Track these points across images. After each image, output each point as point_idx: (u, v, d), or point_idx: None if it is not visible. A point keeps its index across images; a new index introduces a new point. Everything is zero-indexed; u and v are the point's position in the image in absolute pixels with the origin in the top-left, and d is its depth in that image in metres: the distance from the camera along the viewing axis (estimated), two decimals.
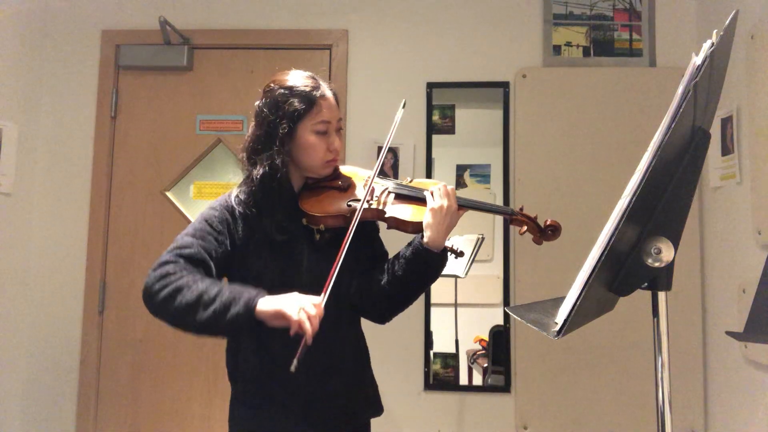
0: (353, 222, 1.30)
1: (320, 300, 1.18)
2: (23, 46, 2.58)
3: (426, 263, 1.35)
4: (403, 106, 1.51)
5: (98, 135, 2.64)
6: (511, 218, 1.42)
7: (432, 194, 1.36)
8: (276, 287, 1.35)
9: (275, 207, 1.35)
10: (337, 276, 1.26)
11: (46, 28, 2.69)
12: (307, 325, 1.12)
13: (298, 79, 1.39)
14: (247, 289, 1.20)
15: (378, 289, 1.39)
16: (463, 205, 1.38)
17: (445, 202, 1.33)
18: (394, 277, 1.37)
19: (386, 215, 1.38)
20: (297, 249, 1.38)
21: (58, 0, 2.70)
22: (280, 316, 1.14)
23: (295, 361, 1.09)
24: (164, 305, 1.20)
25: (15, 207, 2.53)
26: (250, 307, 1.17)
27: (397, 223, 1.38)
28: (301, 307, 1.14)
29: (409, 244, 1.38)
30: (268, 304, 1.17)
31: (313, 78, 1.41)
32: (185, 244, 1.29)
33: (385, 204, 1.40)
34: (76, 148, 2.64)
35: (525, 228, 1.41)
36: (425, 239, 1.34)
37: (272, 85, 1.40)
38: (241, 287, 1.21)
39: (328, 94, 1.40)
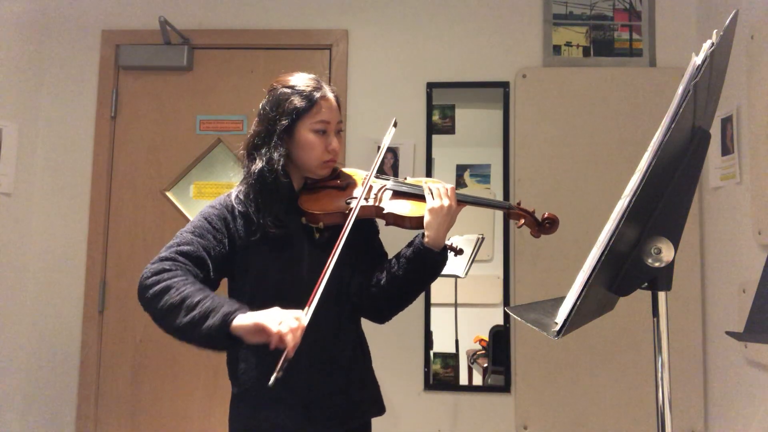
0: (350, 217, 1.31)
1: (303, 313, 1.14)
2: (23, 46, 2.57)
3: (426, 262, 1.35)
4: (394, 125, 1.51)
5: (98, 135, 2.64)
6: (509, 212, 1.43)
7: (431, 193, 1.37)
8: (278, 285, 1.36)
9: (273, 202, 1.35)
10: (337, 274, 1.26)
11: (46, 28, 2.69)
12: (289, 338, 1.07)
13: (300, 79, 1.41)
14: (231, 303, 1.16)
15: (378, 288, 1.40)
16: (461, 201, 1.39)
17: (445, 202, 1.34)
18: (394, 276, 1.37)
19: (384, 211, 1.39)
20: (297, 247, 1.38)
21: (58, 0, 2.70)
22: (259, 329, 1.09)
23: (274, 376, 1.04)
24: (151, 302, 1.21)
25: (15, 207, 2.53)
26: (226, 321, 1.12)
27: (395, 219, 1.39)
28: (281, 321, 1.09)
29: (410, 244, 1.38)
30: (246, 318, 1.12)
31: (315, 80, 1.42)
32: (184, 241, 1.29)
33: (382, 200, 1.41)
34: (76, 148, 2.65)
35: (522, 221, 1.42)
36: (425, 239, 1.34)
37: (275, 84, 1.42)
38: (227, 300, 1.17)
39: (330, 95, 1.41)
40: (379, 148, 1.46)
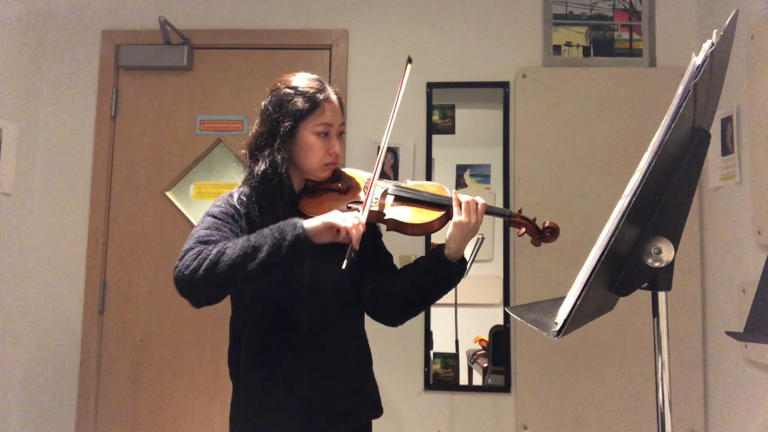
0: (372, 182, 1.33)
1: (361, 213, 1.25)
2: (23, 46, 2.58)
3: (448, 275, 1.37)
4: (409, 61, 1.49)
5: (98, 135, 2.64)
6: (510, 220, 1.43)
7: (460, 207, 1.35)
8: (278, 288, 1.36)
9: (276, 204, 1.35)
10: (341, 278, 1.26)
11: (46, 28, 2.69)
12: (353, 232, 1.19)
13: (303, 80, 1.40)
14: (282, 222, 1.23)
15: (395, 295, 1.41)
16: None
17: (473, 219, 1.34)
18: (413, 285, 1.39)
19: (385, 217, 1.38)
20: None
21: (58, 0, 2.70)
22: (329, 227, 1.20)
23: (345, 262, 1.17)
24: (210, 273, 1.18)
25: (15, 207, 2.53)
26: (299, 232, 1.19)
27: (396, 225, 1.38)
28: (344, 218, 1.20)
29: (430, 255, 1.39)
30: (313, 221, 1.21)
31: (319, 81, 1.41)
32: (204, 235, 1.27)
33: (384, 205, 1.40)
34: (76, 148, 2.65)
35: (523, 230, 1.42)
36: (447, 251, 1.35)
37: (278, 84, 1.41)
38: (279, 223, 1.23)
39: (333, 97, 1.41)
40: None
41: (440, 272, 1.37)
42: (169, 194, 2.62)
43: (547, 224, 1.42)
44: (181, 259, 1.21)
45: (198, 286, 1.20)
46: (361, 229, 1.21)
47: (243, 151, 1.43)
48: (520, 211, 1.43)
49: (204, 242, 1.24)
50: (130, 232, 2.60)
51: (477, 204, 1.36)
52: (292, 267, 1.32)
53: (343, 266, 1.17)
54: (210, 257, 1.18)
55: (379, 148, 1.48)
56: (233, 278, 1.19)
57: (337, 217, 1.21)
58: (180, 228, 2.56)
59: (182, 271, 1.19)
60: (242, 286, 1.30)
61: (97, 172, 2.62)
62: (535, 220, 1.42)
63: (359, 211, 1.29)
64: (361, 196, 1.41)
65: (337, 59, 2.61)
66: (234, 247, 1.19)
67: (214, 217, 1.33)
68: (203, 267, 1.18)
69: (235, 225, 1.33)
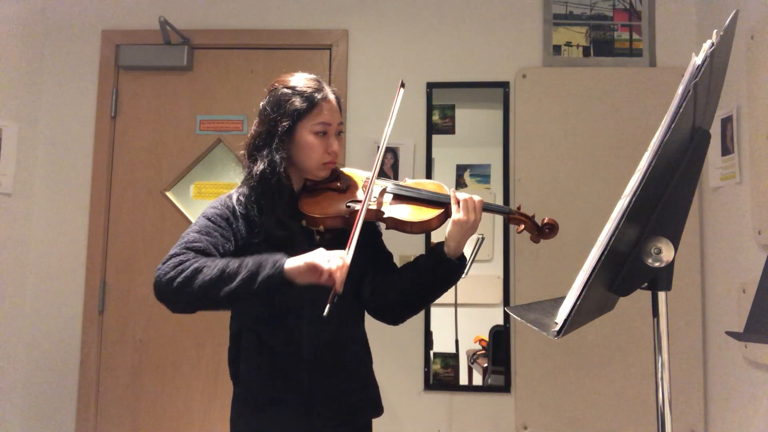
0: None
1: (345, 253, 1.20)
2: (23, 46, 2.58)
3: (447, 273, 1.38)
4: (402, 86, 1.48)
5: (98, 135, 2.64)
6: (509, 217, 1.43)
7: (458, 205, 1.36)
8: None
9: (275, 204, 1.35)
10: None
11: (46, 28, 2.69)
12: (337, 274, 1.15)
13: (301, 80, 1.40)
14: (272, 253, 1.21)
15: (395, 293, 1.41)
16: None
17: (472, 216, 1.35)
18: (412, 283, 1.39)
19: (384, 215, 1.38)
20: (298, 250, 1.38)
21: (58, 0, 2.70)
22: (311, 268, 1.16)
23: (327, 308, 1.12)
24: (183, 288, 1.18)
25: (15, 207, 2.53)
26: (279, 268, 1.17)
27: (395, 224, 1.39)
28: (328, 259, 1.16)
29: (430, 253, 1.40)
30: (295, 261, 1.18)
31: (317, 80, 1.42)
32: (192, 240, 1.28)
33: (382, 204, 1.40)
34: (76, 148, 2.64)
35: (522, 226, 1.42)
36: (446, 249, 1.36)
37: (276, 84, 1.41)
38: (264, 254, 1.22)
39: (331, 97, 1.41)
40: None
41: (440, 270, 1.38)
42: (169, 194, 2.62)
43: (546, 221, 1.42)
44: (164, 264, 1.22)
45: (171, 296, 1.21)
46: (345, 271, 1.17)
47: (242, 151, 1.43)
48: (519, 208, 1.44)
49: (191, 248, 1.24)
50: (130, 232, 2.60)
51: (476, 202, 1.36)
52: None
53: (325, 312, 1.12)
54: (186, 272, 1.18)
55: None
56: (204, 298, 1.19)
57: (320, 257, 1.17)
58: (180, 228, 2.53)
59: (160, 278, 1.21)
60: (218, 308, 1.30)
61: (97, 172, 2.62)
62: (534, 216, 1.43)
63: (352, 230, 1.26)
64: (360, 195, 1.41)
65: (337, 59, 2.61)
66: (212, 267, 1.19)
67: (208, 219, 1.33)
68: (178, 280, 1.18)
69: (227, 230, 1.32)
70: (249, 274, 1.17)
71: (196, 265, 1.20)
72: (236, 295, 1.18)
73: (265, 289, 1.18)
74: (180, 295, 1.19)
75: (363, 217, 1.31)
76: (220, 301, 1.20)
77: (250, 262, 1.19)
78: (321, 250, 1.20)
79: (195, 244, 1.26)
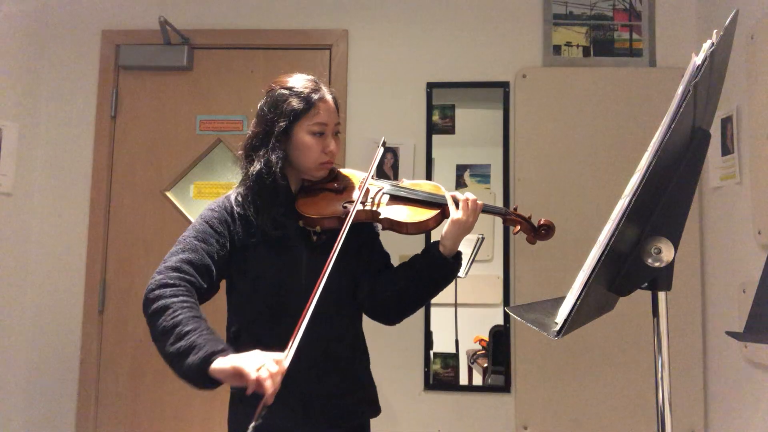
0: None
1: (284, 356, 1.09)
2: (23, 46, 2.57)
3: (443, 271, 1.38)
4: (383, 145, 1.50)
5: (98, 135, 2.64)
6: (505, 218, 1.44)
7: (457, 205, 1.36)
8: (276, 288, 1.36)
9: (272, 204, 1.36)
10: (336, 279, 1.26)
11: (46, 28, 2.69)
12: (267, 384, 1.03)
13: (299, 80, 1.41)
14: (215, 343, 1.13)
15: (391, 293, 1.41)
16: None
17: (471, 218, 1.35)
18: (409, 283, 1.39)
19: (381, 216, 1.38)
20: (295, 250, 1.38)
21: (58, 0, 2.70)
22: (238, 373, 1.06)
23: (252, 425, 1.01)
24: (151, 319, 1.21)
25: (15, 207, 2.53)
26: (206, 362, 1.10)
27: (391, 225, 1.39)
28: (260, 366, 1.05)
29: (425, 252, 1.40)
30: (225, 362, 1.09)
31: (314, 81, 1.42)
32: (189, 248, 1.30)
33: (379, 205, 1.40)
34: (76, 148, 2.64)
35: (519, 227, 1.43)
36: (442, 248, 1.36)
37: (274, 85, 1.42)
38: (213, 339, 1.15)
39: (328, 97, 1.41)
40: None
41: (435, 269, 1.38)
42: (169, 194, 2.62)
43: (542, 222, 1.42)
44: (153, 279, 1.24)
45: (145, 316, 1.24)
46: (279, 379, 1.05)
47: (239, 152, 1.43)
48: (515, 209, 1.44)
49: (188, 262, 1.27)
50: (130, 232, 2.60)
51: (475, 203, 1.36)
52: (290, 270, 1.32)
53: (250, 427, 1.00)
54: (156, 305, 1.20)
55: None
56: (156, 346, 1.21)
57: (250, 363, 1.05)
58: (180, 228, 2.51)
59: (146, 294, 1.23)
60: None
61: (97, 172, 2.62)
62: (530, 217, 1.43)
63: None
64: (356, 195, 1.41)
65: (337, 59, 2.60)
66: (171, 316, 1.17)
67: (207, 223, 1.35)
68: (149, 309, 1.21)
69: (223, 235, 1.34)
70: (184, 349, 1.13)
71: (169, 301, 1.20)
72: (168, 361, 1.18)
73: (186, 377, 1.15)
74: (148, 322, 1.23)
75: (352, 218, 1.31)
76: (164, 359, 1.20)
77: (194, 337, 1.14)
78: (256, 353, 1.09)
79: (190, 256, 1.28)
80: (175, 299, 1.20)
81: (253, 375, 1.03)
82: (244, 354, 1.09)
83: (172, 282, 1.23)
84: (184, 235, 1.34)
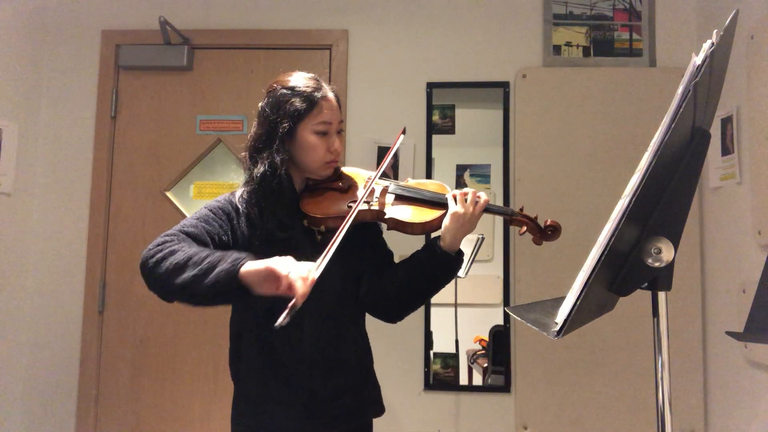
0: (348, 218, 1.28)
1: (315, 266, 1.11)
2: (23, 46, 2.57)
3: (444, 266, 1.36)
4: (404, 132, 1.50)
5: (98, 135, 2.64)
6: (511, 219, 1.43)
7: (455, 198, 1.35)
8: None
9: (276, 206, 1.35)
10: (340, 277, 1.25)
11: (46, 28, 2.69)
12: (299, 284, 1.04)
13: (300, 79, 1.40)
14: (239, 252, 1.14)
15: (392, 290, 1.41)
16: None
17: (470, 209, 1.34)
18: (409, 278, 1.39)
19: (386, 216, 1.38)
20: (299, 250, 1.37)
21: (58, 0, 2.70)
22: (269, 274, 1.06)
23: (280, 320, 1.00)
24: (155, 268, 1.17)
25: (15, 207, 2.53)
26: (236, 266, 1.10)
27: (396, 224, 1.38)
28: (292, 268, 1.07)
29: (426, 248, 1.39)
30: (257, 263, 1.09)
31: (315, 79, 1.41)
32: (188, 224, 1.28)
33: (384, 204, 1.40)
34: (76, 148, 2.64)
35: (525, 228, 1.41)
36: (442, 243, 1.35)
37: (275, 85, 1.41)
38: (236, 251, 1.16)
39: (330, 95, 1.40)
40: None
41: (436, 263, 1.36)
42: (169, 194, 2.62)
43: (548, 223, 1.41)
44: (151, 244, 1.22)
45: (145, 276, 1.20)
46: (310, 284, 1.06)
47: (243, 153, 1.42)
48: (521, 210, 1.43)
49: (183, 232, 1.25)
50: (130, 232, 2.60)
51: (474, 195, 1.35)
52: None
53: (277, 324, 0.99)
54: (162, 253, 1.17)
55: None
56: (166, 284, 1.16)
57: (282, 264, 1.07)
58: None
59: (142, 257, 1.20)
60: (186, 301, 1.20)
61: (97, 172, 2.62)
62: (536, 218, 1.42)
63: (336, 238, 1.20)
64: (360, 195, 1.40)
65: (337, 59, 2.61)
66: (185, 252, 1.16)
67: (209, 210, 1.34)
68: (152, 260, 1.18)
69: (226, 223, 1.33)
70: (207, 266, 1.12)
71: (174, 247, 1.18)
72: (188, 287, 1.12)
73: (213, 289, 1.10)
74: (152, 276, 1.18)
75: (356, 217, 1.31)
76: (178, 292, 1.15)
77: (216, 254, 1.14)
78: (288, 258, 1.10)
79: (189, 229, 1.26)
80: (178, 244, 1.19)
81: (284, 273, 1.05)
82: (274, 258, 1.10)
83: (170, 240, 1.22)
84: (185, 219, 1.33)
